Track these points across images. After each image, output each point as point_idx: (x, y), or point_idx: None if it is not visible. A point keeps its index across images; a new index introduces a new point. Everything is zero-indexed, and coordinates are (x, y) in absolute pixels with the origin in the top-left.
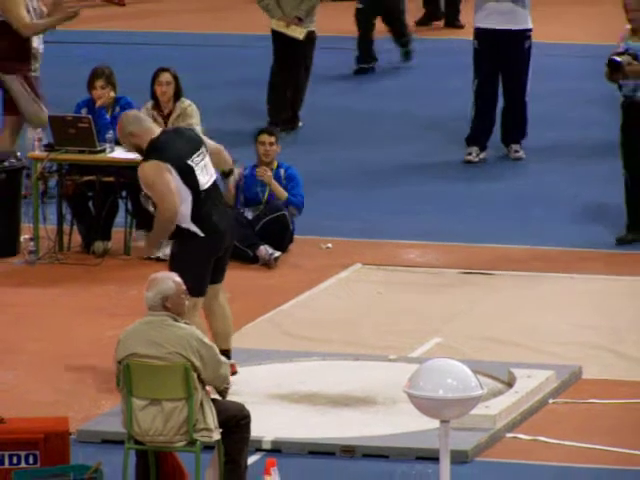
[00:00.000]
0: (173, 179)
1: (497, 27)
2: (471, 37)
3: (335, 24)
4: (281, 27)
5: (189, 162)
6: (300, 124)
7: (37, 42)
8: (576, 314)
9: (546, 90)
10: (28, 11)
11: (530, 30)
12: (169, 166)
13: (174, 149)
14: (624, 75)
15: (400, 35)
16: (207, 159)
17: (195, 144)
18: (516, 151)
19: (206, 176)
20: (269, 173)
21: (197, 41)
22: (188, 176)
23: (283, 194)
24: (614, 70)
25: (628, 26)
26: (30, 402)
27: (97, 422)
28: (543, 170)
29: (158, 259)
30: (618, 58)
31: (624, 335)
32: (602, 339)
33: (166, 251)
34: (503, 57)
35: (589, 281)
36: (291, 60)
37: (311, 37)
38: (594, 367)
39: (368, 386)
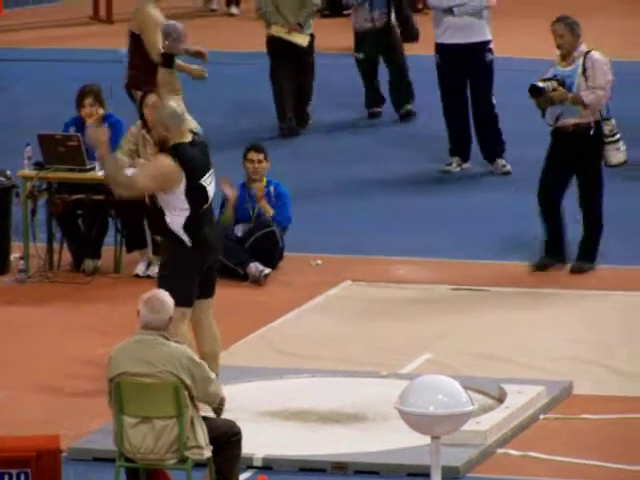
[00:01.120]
0: (171, 189)
1: (456, 41)
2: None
3: (329, 40)
4: (282, 33)
5: (202, 182)
6: (311, 121)
7: None
8: (567, 329)
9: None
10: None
11: (489, 42)
12: (183, 177)
13: (197, 165)
14: (549, 101)
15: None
16: (214, 180)
17: (210, 164)
18: (503, 166)
19: (212, 196)
20: (262, 192)
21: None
22: (196, 193)
23: (269, 212)
24: (536, 95)
25: (558, 52)
26: (21, 420)
27: (88, 440)
28: (534, 185)
29: (137, 276)
30: (541, 84)
31: (615, 350)
32: (593, 354)
33: (154, 270)
34: (465, 71)
35: (580, 297)
36: (294, 64)
37: (311, 40)
38: (585, 382)
39: (359, 402)
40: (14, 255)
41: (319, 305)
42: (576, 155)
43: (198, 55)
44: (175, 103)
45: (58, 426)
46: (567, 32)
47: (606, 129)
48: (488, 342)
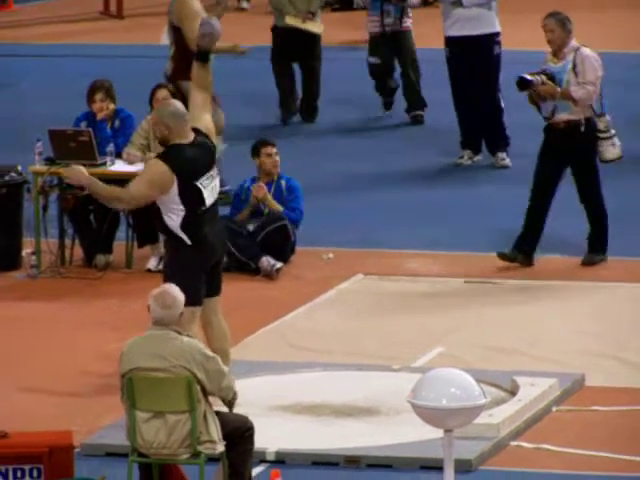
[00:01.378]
0: (163, 192)
1: (465, 33)
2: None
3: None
4: (298, 23)
5: (198, 184)
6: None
7: None
8: (578, 322)
9: None
10: None
11: (498, 34)
12: (175, 179)
13: (191, 167)
14: (539, 95)
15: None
16: (216, 180)
17: (210, 166)
18: (502, 159)
19: (211, 197)
20: (264, 190)
21: None
22: (192, 195)
23: (279, 209)
24: (524, 88)
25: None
26: (34, 416)
27: (101, 435)
28: None
29: (149, 271)
30: (529, 77)
31: (626, 342)
32: (604, 346)
33: (152, 262)
34: (473, 63)
35: (591, 288)
36: (306, 53)
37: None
38: (597, 375)
39: (371, 396)
40: (26, 251)
41: (331, 299)
42: (569, 152)
43: (233, 50)
44: (178, 102)
45: (70, 422)
46: (558, 27)
47: (601, 125)
48: (500, 335)
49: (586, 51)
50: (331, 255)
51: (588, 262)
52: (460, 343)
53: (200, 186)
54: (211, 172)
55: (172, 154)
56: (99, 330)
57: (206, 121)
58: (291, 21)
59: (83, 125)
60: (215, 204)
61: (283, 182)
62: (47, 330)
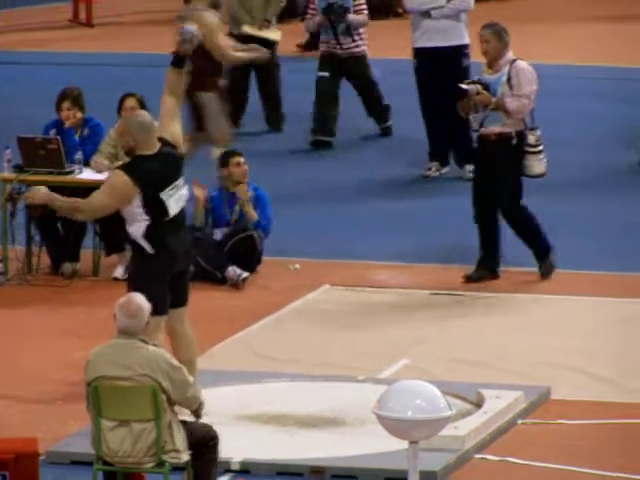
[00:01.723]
0: (126, 203)
1: (433, 45)
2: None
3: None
4: (256, 31)
5: (161, 195)
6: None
7: None
8: (546, 335)
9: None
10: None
11: (467, 46)
12: (137, 190)
13: (154, 178)
14: (473, 107)
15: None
16: (183, 190)
17: (175, 177)
18: (469, 171)
19: (176, 207)
20: (247, 192)
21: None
22: (154, 206)
23: (254, 216)
24: (460, 97)
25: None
26: None
27: (66, 443)
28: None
29: (116, 279)
30: (465, 86)
31: (594, 356)
32: (572, 360)
33: (119, 271)
34: (441, 74)
35: (559, 302)
36: (267, 61)
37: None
38: (564, 388)
39: (337, 407)
40: None
41: (297, 309)
42: (497, 164)
43: (255, 53)
44: (146, 113)
45: (36, 429)
46: (493, 38)
47: (532, 139)
48: (466, 347)
49: (522, 64)
50: (298, 266)
51: (546, 273)
52: (426, 355)
53: (163, 197)
54: (176, 182)
55: (135, 165)
56: (65, 338)
57: (174, 129)
58: (248, 29)
59: (52, 133)
60: (182, 213)
61: (251, 191)
62: (13, 337)
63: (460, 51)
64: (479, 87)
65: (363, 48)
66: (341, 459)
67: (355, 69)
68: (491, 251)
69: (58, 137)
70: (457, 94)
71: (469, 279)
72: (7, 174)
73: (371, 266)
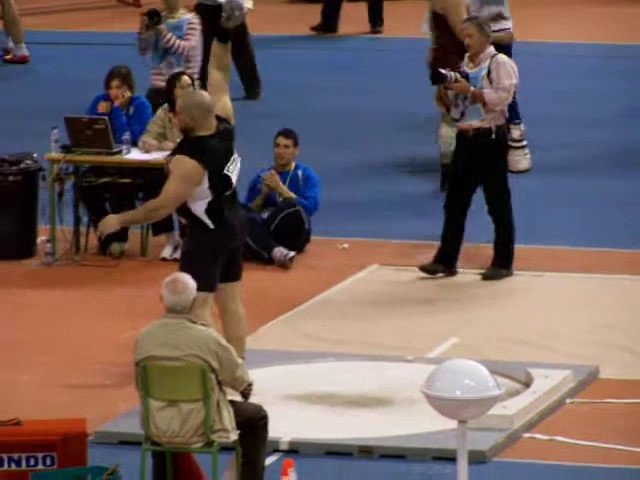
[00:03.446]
0: (197, 186)
1: None
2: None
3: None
4: None
5: (226, 172)
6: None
7: None
8: (593, 314)
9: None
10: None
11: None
12: (205, 172)
13: (217, 158)
14: (451, 95)
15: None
16: (238, 163)
17: (231, 152)
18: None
19: (235, 181)
20: (276, 177)
21: None
22: (221, 183)
23: (292, 197)
24: (437, 82)
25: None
26: (47, 404)
27: (114, 423)
28: (551, 170)
29: (164, 259)
30: (444, 71)
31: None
32: (619, 339)
33: (167, 251)
34: None
35: (606, 280)
36: (241, 30)
37: None
38: (611, 367)
39: (385, 387)
40: (41, 238)
41: (346, 289)
42: (479, 160)
43: None
44: (205, 93)
45: (84, 409)
46: (476, 32)
47: (516, 134)
48: (515, 326)
49: (502, 58)
50: (346, 245)
51: (490, 277)
52: (474, 334)
53: (228, 172)
54: (234, 156)
55: (199, 148)
56: (114, 318)
57: (224, 102)
58: None
59: (101, 105)
60: (235, 191)
61: (300, 172)
62: (62, 318)
63: None
64: (458, 75)
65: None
66: (389, 439)
67: None
68: (451, 246)
69: (106, 117)
70: (432, 78)
71: (423, 269)
72: (55, 154)
73: (420, 245)
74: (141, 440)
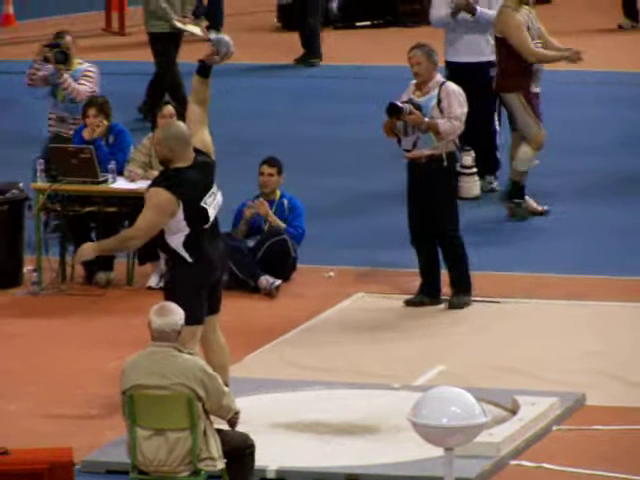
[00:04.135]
0: (171, 217)
1: (467, 60)
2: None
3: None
4: (185, 25)
5: (202, 204)
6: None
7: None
8: (580, 341)
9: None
10: (528, 29)
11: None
12: (180, 203)
13: (193, 189)
14: (404, 126)
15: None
16: (218, 196)
17: (211, 184)
18: (489, 182)
19: (213, 214)
20: (266, 205)
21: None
22: (197, 215)
23: (282, 225)
24: (394, 114)
25: (413, 81)
26: (34, 433)
27: (101, 452)
28: (547, 196)
29: (150, 288)
30: (400, 104)
31: (628, 361)
32: (606, 366)
33: (153, 280)
34: (471, 88)
35: (593, 307)
36: (174, 53)
37: None
38: (598, 394)
39: (372, 414)
40: (27, 267)
41: (332, 317)
42: (430, 187)
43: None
44: (182, 124)
45: (71, 438)
46: (425, 59)
47: (468, 160)
48: (501, 354)
49: (451, 86)
50: (332, 273)
51: (456, 306)
52: (461, 362)
53: (205, 205)
54: (212, 189)
55: (175, 180)
56: (100, 347)
57: (203, 136)
58: (180, 24)
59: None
60: (216, 219)
61: (285, 201)
62: (48, 347)
63: (490, 64)
64: (411, 107)
65: None
66: (376, 466)
67: None
68: (431, 276)
69: (91, 146)
70: (388, 111)
71: (409, 304)
72: (41, 184)
73: (405, 274)
74: (128, 469)
